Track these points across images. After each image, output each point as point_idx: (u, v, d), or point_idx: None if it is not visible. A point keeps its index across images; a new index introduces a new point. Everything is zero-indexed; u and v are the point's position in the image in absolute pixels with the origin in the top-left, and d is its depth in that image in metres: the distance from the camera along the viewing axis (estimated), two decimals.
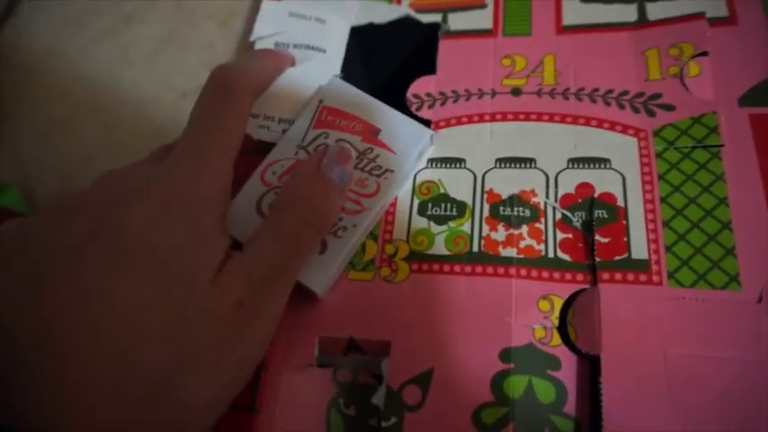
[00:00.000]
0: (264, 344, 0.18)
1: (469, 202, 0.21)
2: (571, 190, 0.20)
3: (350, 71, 0.25)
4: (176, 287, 0.16)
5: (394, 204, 0.22)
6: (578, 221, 0.20)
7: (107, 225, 0.17)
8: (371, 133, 0.22)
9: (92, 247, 0.16)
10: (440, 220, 0.21)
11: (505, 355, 0.18)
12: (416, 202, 0.21)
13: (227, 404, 0.17)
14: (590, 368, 0.18)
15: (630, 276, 0.19)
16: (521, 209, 0.20)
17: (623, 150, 0.21)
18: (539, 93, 0.23)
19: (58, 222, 0.17)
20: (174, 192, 0.17)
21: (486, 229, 0.20)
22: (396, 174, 0.21)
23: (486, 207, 0.21)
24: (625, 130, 0.21)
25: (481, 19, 0.25)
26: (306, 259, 0.19)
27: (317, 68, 0.24)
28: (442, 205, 0.21)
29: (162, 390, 0.15)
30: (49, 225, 0.17)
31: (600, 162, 0.21)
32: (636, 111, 0.21)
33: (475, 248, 0.20)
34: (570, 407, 0.18)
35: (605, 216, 0.20)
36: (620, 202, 0.20)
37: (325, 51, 0.25)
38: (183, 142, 0.19)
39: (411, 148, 0.21)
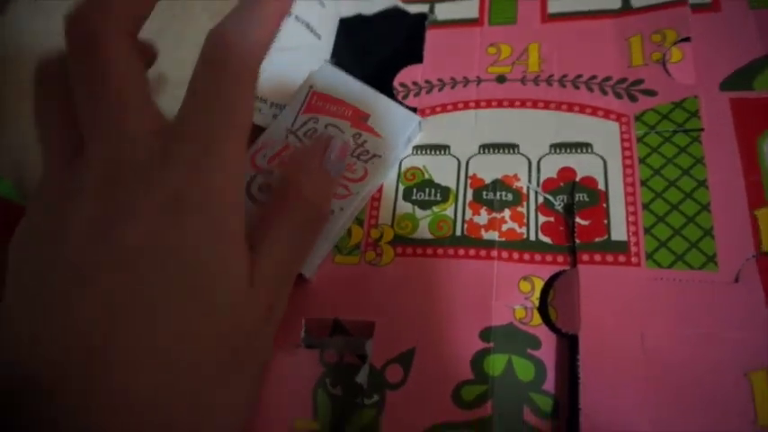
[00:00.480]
0: (272, 341, 0.18)
1: (453, 187, 0.21)
2: (553, 174, 0.21)
3: (338, 62, 0.26)
4: (215, 301, 0.15)
5: (380, 190, 0.22)
6: (560, 205, 0.20)
7: (138, 238, 0.15)
8: (360, 119, 0.22)
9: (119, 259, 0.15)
10: (424, 205, 0.21)
11: (486, 334, 0.18)
12: (401, 187, 0.22)
13: (252, 408, 0.17)
14: (569, 347, 0.18)
15: (609, 257, 0.19)
16: (503, 193, 0.21)
17: (605, 135, 0.21)
18: (523, 80, 0.23)
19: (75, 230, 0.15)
20: (194, 195, 0.15)
21: (469, 213, 0.21)
22: (383, 159, 0.21)
23: (470, 192, 0.21)
24: (607, 115, 0.21)
25: (468, 8, 0.25)
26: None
27: (310, 54, 0.25)
28: (427, 191, 0.21)
29: (199, 401, 0.15)
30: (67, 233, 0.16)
31: (582, 147, 0.21)
32: (618, 96, 0.22)
33: (458, 232, 0.20)
34: (549, 385, 0.18)
35: (586, 199, 0.20)
36: (601, 186, 0.20)
37: (320, 38, 0.26)
38: (189, 131, 0.16)
39: (399, 133, 0.22)
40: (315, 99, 0.23)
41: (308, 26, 0.25)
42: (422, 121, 0.22)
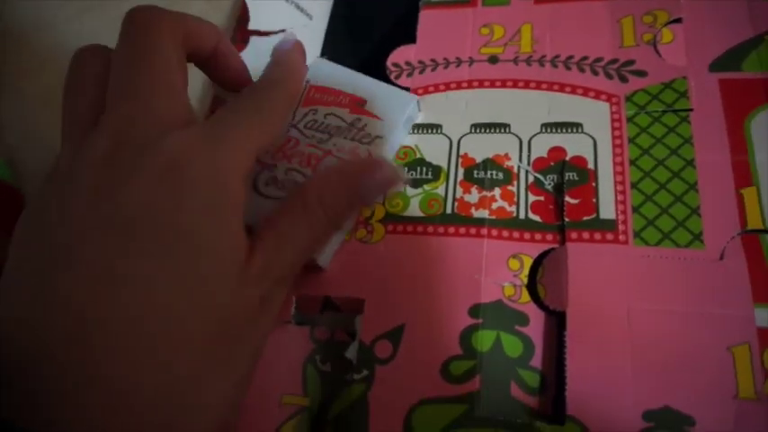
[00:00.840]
0: (270, 332, 0.18)
1: (444, 165, 0.21)
2: (544, 153, 0.21)
3: (333, 42, 0.26)
4: (209, 285, 0.15)
5: None
6: (550, 184, 0.20)
7: (135, 204, 0.15)
8: (358, 104, 0.22)
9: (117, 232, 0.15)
10: (415, 184, 0.21)
11: (475, 310, 0.19)
12: None
13: (242, 400, 0.17)
14: (557, 324, 0.18)
15: (598, 235, 0.19)
16: (494, 172, 0.21)
17: (595, 115, 0.21)
18: (515, 60, 0.23)
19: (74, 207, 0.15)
20: (192, 165, 0.15)
21: (459, 191, 0.21)
22: (384, 139, 0.21)
23: (461, 171, 0.21)
24: (598, 95, 0.21)
25: None
26: None
27: (302, 35, 0.25)
28: (418, 169, 0.22)
29: (188, 394, 0.15)
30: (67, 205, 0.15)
31: (572, 126, 0.21)
32: (609, 77, 0.22)
33: (448, 210, 0.20)
34: (537, 361, 0.18)
35: (576, 178, 0.20)
36: (591, 165, 0.20)
37: (311, 18, 0.26)
38: (212, 117, 0.17)
39: (398, 114, 0.22)
40: (312, 92, 0.23)
41: (297, 6, 0.25)
42: (420, 101, 0.22)
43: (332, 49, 0.25)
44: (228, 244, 0.16)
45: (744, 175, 0.19)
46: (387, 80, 0.24)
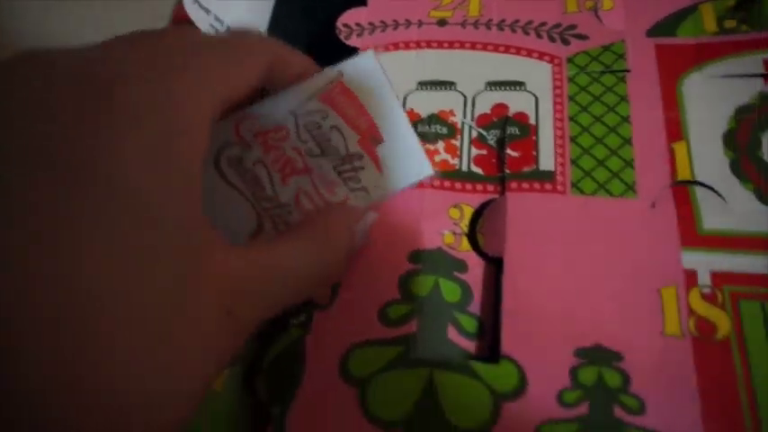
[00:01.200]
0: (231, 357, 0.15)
1: None
2: (487, 110, 0.21)
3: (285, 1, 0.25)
4: (157, 266, 0.12)
5: None
6: (492, 139, 0.21)
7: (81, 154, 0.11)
8: (372, 139, 0.19)
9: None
10: None
11: (414, 256, 0.19)
12: None
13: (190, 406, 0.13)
14: (495, 272, 0.18)
15: (537, 185, 0.19)
16: (438, 126, 0.21)
17: (538, 74, 0.21)
18: (463, 24, 0.23)
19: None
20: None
21: None
22: (369, 197, 0.18)
23: None
24: (541, 56, 0.22)
25: None
26: None
27: None
28: None
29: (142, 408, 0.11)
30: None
31: (516, 85, 0.21)
32: (552, 40, 0.22)
33: None
34: (475, 307, 0.18)
35: (517, 133, 0.20)
36: (532, 121, 0.21)
37: None
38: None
39: (401, 178, 0.19)
40: (337, 90, 0.19)
41: None
42: (436, 174, 0.20)
43: (283, 9, 0.25)
44: (179, 209, 0.12)
45: (675, 130, 0.19)
46: (336, 40, 0.24)
